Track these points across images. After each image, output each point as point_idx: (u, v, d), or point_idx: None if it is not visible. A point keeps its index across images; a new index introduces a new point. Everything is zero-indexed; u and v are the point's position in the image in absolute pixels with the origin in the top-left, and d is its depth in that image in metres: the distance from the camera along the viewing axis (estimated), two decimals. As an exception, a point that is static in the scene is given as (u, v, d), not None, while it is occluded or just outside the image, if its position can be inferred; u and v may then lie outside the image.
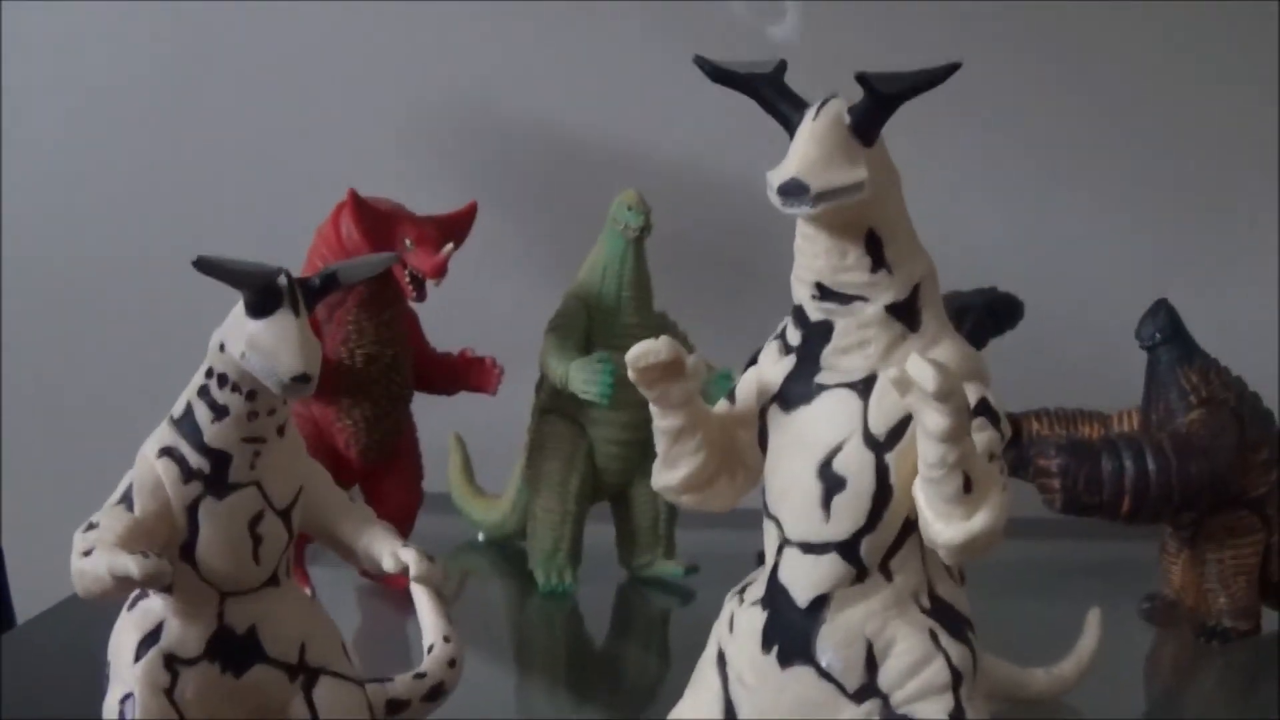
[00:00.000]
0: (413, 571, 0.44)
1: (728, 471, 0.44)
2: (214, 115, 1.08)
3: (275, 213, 1.00)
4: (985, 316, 0.77)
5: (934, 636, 0.41)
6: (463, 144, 1.09)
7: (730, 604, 0.45)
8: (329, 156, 1.04)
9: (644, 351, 0.40)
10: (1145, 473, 0.64)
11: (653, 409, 0.42)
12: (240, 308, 0.41)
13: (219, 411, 0.41)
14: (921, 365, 0.36)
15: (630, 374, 0.41)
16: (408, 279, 0.74)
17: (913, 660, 0.41)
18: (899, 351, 0.40)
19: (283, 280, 0.40)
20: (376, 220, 0.74)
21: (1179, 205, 1.15)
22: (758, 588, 0.44)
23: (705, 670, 0.46)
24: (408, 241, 0.74)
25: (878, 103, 0.39)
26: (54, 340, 1.08)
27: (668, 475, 0.43)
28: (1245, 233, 1.15)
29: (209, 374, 0.41)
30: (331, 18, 1.08)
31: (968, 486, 0.38)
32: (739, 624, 0.44)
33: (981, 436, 0.39)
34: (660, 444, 0.43)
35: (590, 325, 0.79)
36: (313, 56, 1.08)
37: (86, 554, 0.39)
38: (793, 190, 0.38)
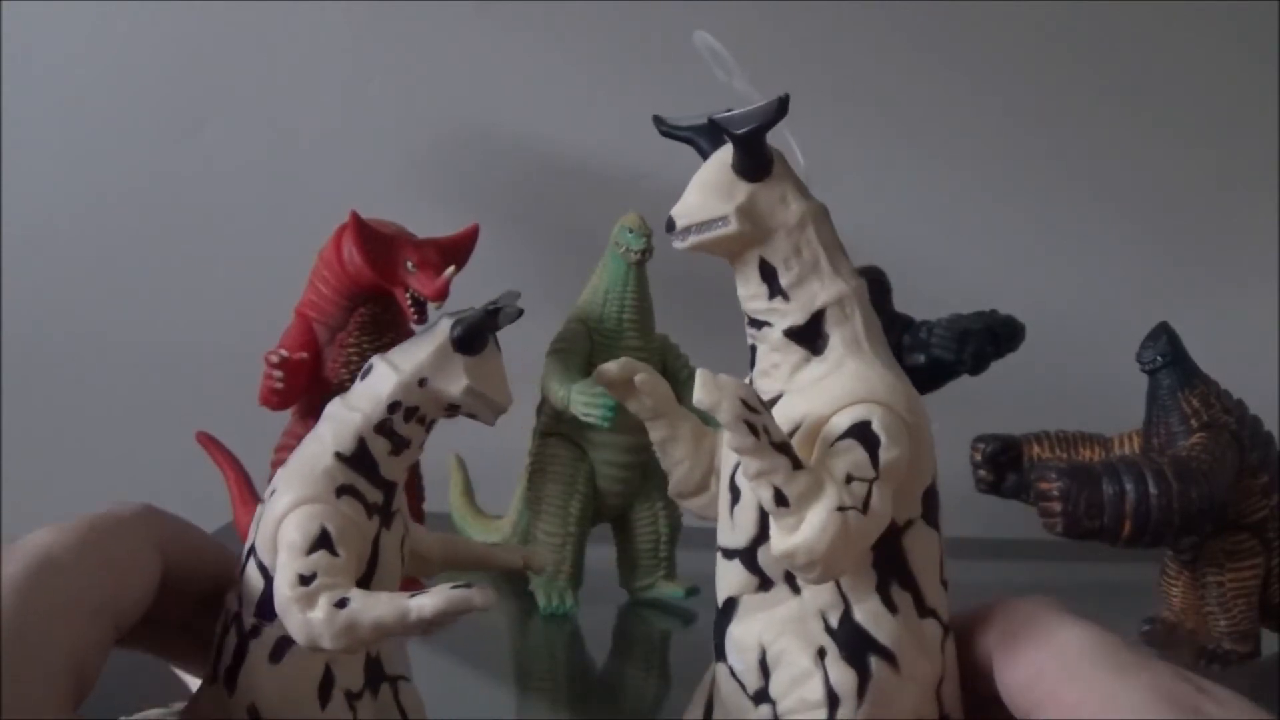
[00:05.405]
0: (532, 564, 0.48)
1: (717, 481, 0.45)
2: (215, 136, 1.08)
3: (277, 234, 1.01)
4: (986, 339, 0.77)
5: (820, 654, 0.40)
6: (465, 167, 1.10)
7: None
8: (331, 178, 1.04)
9: (598, 371, 0.44)
10: (1146, 497, 0.64)
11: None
12: (442, 344, 0.41)
13: (399, 444, 0.41)
14: (698, 377, 0.37)
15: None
16: (409, 302, 0.74)
17: (794, 674, 0.41)
18: (803, 374, 0.41)
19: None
20: (378, 242, 0.74)
21: (1179, 226, 1.16)
22: None
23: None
24: (409, 264, 0.74)
25: (734, 143, 0.41)
26: (55, 343, 1.09)
27: (670, 483, 0.46)
28: (1246, 254, 1.16)
29: (393, 409, 0.41)
30: (335, 40, 1.08)
31: (781, 500, 0.38)
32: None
33: (843, 459, 0.39)
34: (657, 454, 0.46)
35: (592, 348, 0.79)
36: (314, 78, 1.09)
37: (340, 605, 0.37)
38: (668, 227, 0.42)
